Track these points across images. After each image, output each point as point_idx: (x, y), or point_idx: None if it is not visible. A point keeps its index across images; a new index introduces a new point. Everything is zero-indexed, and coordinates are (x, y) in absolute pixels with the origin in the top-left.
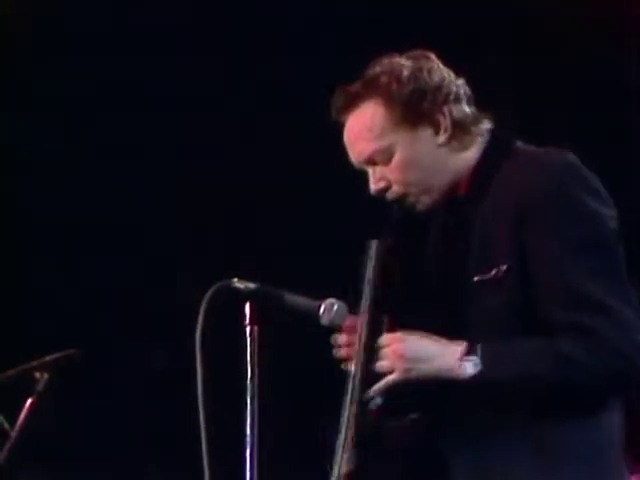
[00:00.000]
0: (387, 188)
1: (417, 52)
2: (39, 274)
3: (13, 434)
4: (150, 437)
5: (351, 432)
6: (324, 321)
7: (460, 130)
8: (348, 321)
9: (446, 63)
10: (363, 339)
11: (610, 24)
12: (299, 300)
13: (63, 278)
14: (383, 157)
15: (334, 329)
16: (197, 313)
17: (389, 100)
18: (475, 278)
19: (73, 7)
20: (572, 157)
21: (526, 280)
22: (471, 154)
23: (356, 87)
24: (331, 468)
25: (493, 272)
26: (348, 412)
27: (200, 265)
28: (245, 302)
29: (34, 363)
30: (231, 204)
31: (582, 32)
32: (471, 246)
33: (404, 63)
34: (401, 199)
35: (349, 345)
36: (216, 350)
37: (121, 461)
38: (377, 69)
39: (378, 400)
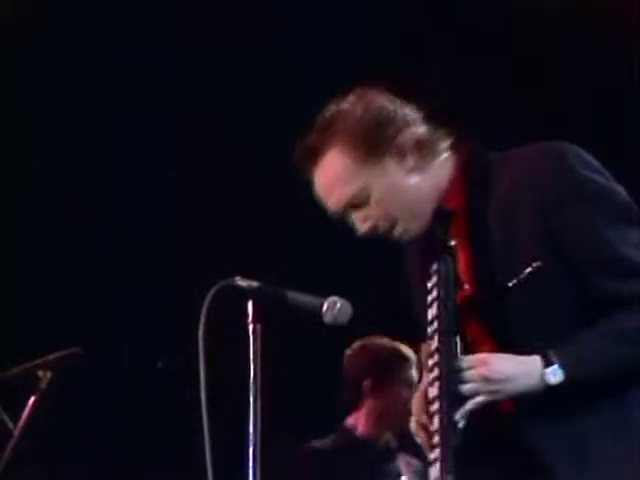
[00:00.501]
0: (375, 226)
1: (358, 90)
2: (39, 273)
3: (16, 432)
4: (151, 436)
5: (446, 454)
6: (327, 319)
7: (424, 149)
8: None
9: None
10: (446, 362)
11: (610, 24)
12: (302, 298)
13: (64, 277)
14: (361, 199)
15: (337, 327)
16: (199, 312)
17: (349, 142)
18: (509, 284)
19: (73, 7)
20: (566, 144)
21: (562, 271)
22: (444, 170)
23: (314, 139)
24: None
25: (526, 271)
26: (443, 434)
27: (199, 264)
28: (248, 300)
29: (37, 361)
30: (232, 203)
31: (582, 32)
32: (495, 254)
33: (351, 102)
34: (389, 233)
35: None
36: (219, 348)
37: (121, 459)
38: (328, 116)
39: (464, 421)
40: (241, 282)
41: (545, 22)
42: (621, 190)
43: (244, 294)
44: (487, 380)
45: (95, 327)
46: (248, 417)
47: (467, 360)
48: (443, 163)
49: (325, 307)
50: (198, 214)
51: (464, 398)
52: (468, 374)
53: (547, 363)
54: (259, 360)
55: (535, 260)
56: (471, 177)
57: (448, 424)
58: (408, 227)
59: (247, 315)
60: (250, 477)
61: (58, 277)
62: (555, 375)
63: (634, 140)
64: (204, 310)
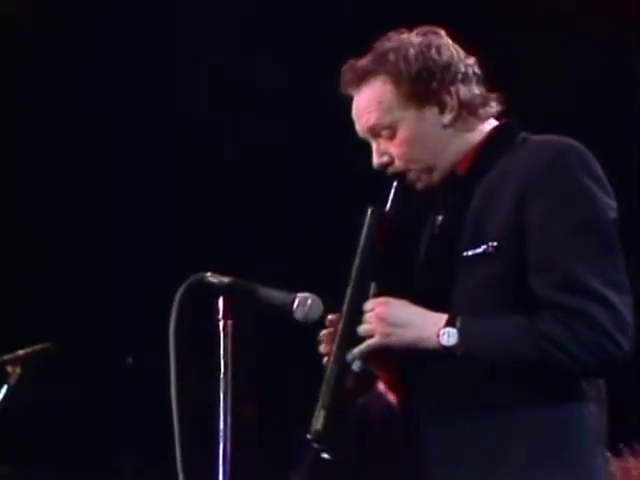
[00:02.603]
0: (389, 163)
1: (427, 28)
2: (19, 269)
3: None
4: (122, 431)
5: (331, 391)
6: (298, 315)
7: (467, 111)
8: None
9: None
10: (349, 301)
11: (610, 22)
12: (274, 294)
13: (42, 273)
14: (387, 132)
15: (308, 324)
16: (170, 307)
17: (397, 78)
18: (465, 253)
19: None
20: (577, 143)
21: (517, 257)
22: (476, 135)
23: (365, 63)
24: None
25: (482, 248)
26: (330, 372)
27: (177, 260)
28: (219, 296)
29: (6, 357)
30: (207, 200)
31: (582, 30)
32: (466, 222)
33: (413, 40)
34: (402, 175)
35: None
36: (189, 345)
37: (93, 457)
38: (386, 45)
39: (359, 363)
40: (212, 278)
41: (545, 22)
42: (610, 204)
43: (215, 290)
44: (382, 321)
45: (66, 322)
46: (218, 413)
47: (370, 302)
48: (480, 129)
49: (296, 303)
50: (169, 209)
51: (362, 340)
52: (367, 315)
53: (449, 323)
54: (230, 356)
55: (495, 240)
56: (487, 148)
57: (339, 364)
58: (419, 177)
59: (218, 311)
60: (220, 474)
61: (33, 273)
62: (450, 337)
63: (634, 139)
64: (175, 306)
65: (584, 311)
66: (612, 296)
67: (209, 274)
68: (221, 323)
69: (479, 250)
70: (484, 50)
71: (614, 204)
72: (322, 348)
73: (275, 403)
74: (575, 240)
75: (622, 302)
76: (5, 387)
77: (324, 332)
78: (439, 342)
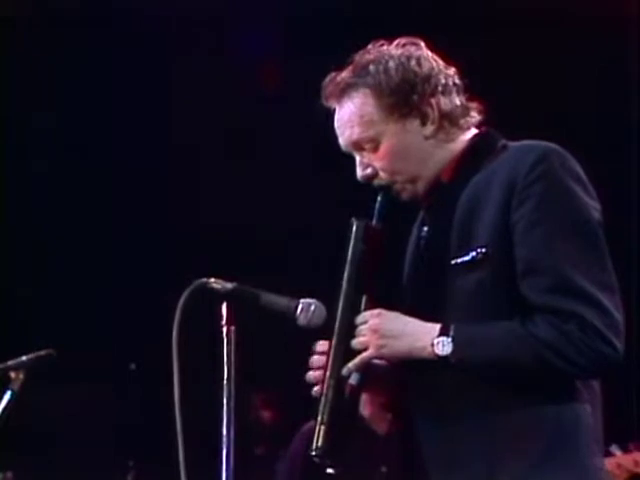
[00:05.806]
0: (373, 175)
1: (406, 40)
2: (18, 274)
3: None
4: (126, 437)
5: (329, 406)
6: (301, 321)
7: (448, 122)
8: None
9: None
10: (341, 316)
11: (610, 24)
12: (277, 300)
13: (44, 279)
14: (370, 145)
15: (311, 330)
16: (173, 313)
17: (378, 91)
18: (453, 261)
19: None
20: (557, 146)
21: (506, 262)
22: (458, 145)
23: (346, 76)
24: (310, 442)
25: (471, 255)
26: (327, 387)
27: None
28: (222, 302)
29: (10, 363)
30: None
31: (582, 31)
32: (453, 231)
33: (392, 52)
34: (387, 187)
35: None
36: (193, 350)
37: (98, 461)
38: (366, 58)
39: (357, 376)
40: (215, 284)
41: (544, 22)
42: (594, 206)
43: (218, 296)
44: (375, 333)
45: (69, 328)
46: (222, 418)
47: (362, 315)
48: (461, 138)
49: (299, 309)
50: (171, 214)
51: (356, 353)
52: (360, 328)
53: (443, 333)
54: (232, 362)
55: (483, 246)
56: (469, 156)
57: (335, 379)
58: (404, 188)
59: (221, 317)
60: (223, 478)
61: (34, 278)
62: (444, 346)
63: (634, 141)
64: (178, 311)
65: (576, 313)
66: (602, 298)
67: (212, 280)
68: (224, 329)
69: (467, 257)
70: (479, 52)
71: (597, 205)
72: (312, 374)
73: (296, 408)
74: (563, 242)
75: (612, 303)
76: (8, 393)
77: (315, 358)
78: (434, 352)
